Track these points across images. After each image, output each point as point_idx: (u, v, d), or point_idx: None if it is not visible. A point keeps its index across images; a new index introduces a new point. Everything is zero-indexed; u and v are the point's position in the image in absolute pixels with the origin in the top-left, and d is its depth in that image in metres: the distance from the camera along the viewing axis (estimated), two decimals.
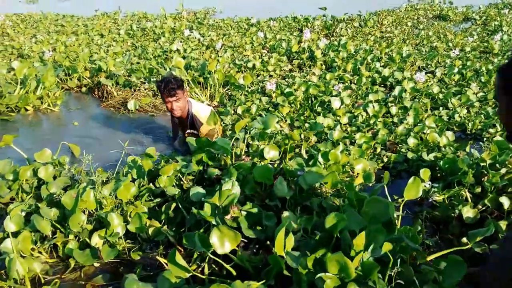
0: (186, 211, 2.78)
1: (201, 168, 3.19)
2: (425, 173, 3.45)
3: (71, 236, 2.58)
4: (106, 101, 5.98)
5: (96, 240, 2.55)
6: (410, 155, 4.05)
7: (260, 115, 5.03)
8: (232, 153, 3.34)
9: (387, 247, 2.02)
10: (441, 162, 3.66)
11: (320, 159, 3.25)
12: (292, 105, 5.34)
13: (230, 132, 4.59)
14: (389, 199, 2.68)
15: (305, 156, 3.59)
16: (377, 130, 4.57)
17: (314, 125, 4.30)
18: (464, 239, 2.67)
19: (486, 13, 11.73)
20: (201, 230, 2.48)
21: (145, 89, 6.08)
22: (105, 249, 2.48)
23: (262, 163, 3.18)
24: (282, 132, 4.29)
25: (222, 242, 2.11)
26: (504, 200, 2.99)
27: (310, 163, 3.22)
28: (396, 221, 2.55)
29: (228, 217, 2.45)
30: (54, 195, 2.92)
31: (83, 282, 2.39)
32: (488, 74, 6.19)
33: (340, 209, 2.54)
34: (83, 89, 6.54)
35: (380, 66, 6.81)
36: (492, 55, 7.69)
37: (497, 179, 3.15)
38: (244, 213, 2.51)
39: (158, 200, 2.94)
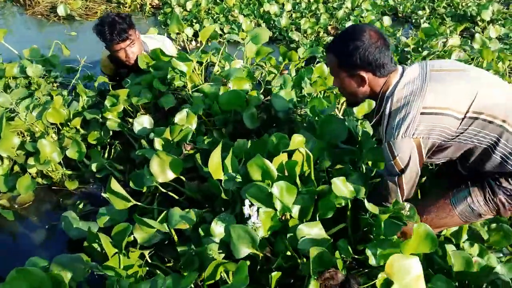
0: (136, 146, 2.51)
1: (157, 94, 2.74)
2: None
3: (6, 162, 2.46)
4: (31, 8, 5.44)
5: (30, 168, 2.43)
6: None
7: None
8: (201, 75, 2.85)
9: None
10: None
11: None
12: None
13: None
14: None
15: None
16: (319, 15, 4.63)
17: None
18: None
19: None
20: None
21: None
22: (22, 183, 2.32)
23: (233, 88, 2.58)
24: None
25: (163, 170, 1.95)
26: None
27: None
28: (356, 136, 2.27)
29: (181, 157, 2.16)
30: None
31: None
32: None
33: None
34: None
35: None
36: None
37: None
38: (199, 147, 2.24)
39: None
